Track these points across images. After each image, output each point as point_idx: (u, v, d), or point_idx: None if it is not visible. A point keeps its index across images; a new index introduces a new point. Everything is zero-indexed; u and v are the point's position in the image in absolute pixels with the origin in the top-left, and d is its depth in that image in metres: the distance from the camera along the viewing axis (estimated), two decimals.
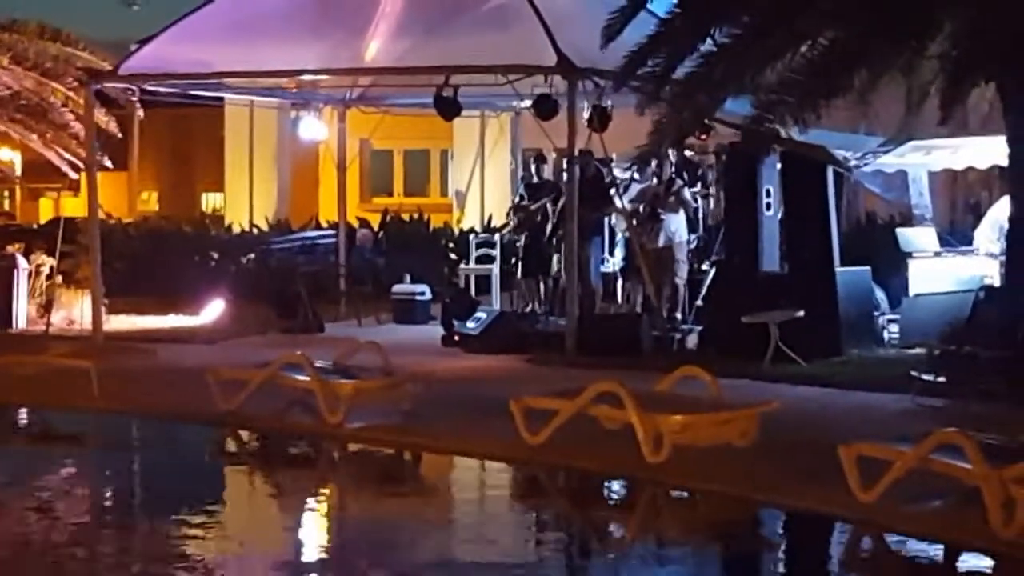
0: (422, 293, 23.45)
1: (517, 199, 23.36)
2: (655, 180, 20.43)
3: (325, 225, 29.07)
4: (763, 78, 15.92)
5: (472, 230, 26.19)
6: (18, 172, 36.87)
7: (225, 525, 12.23)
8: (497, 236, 23.74)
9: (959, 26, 15.02)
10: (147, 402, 16.09)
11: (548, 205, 21.17)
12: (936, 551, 10.06)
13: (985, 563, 9.68)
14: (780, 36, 15.69)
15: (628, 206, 20.59)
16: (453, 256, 24.78)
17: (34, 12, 26.96)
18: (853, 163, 20.09)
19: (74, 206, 29.48)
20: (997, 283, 17.46)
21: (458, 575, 10.42)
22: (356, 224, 27.78)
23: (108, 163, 25.64)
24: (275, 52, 21.15)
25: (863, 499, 10.34)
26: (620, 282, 21.12)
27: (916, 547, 10.13)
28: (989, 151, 18.60)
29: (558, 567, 11.20)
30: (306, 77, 22.76)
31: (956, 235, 21.37)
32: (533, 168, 22.96)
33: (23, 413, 16.79)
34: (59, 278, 24.14)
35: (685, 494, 12.06)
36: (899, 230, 21.05)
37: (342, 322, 22.85)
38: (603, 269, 20.94)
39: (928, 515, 10.26)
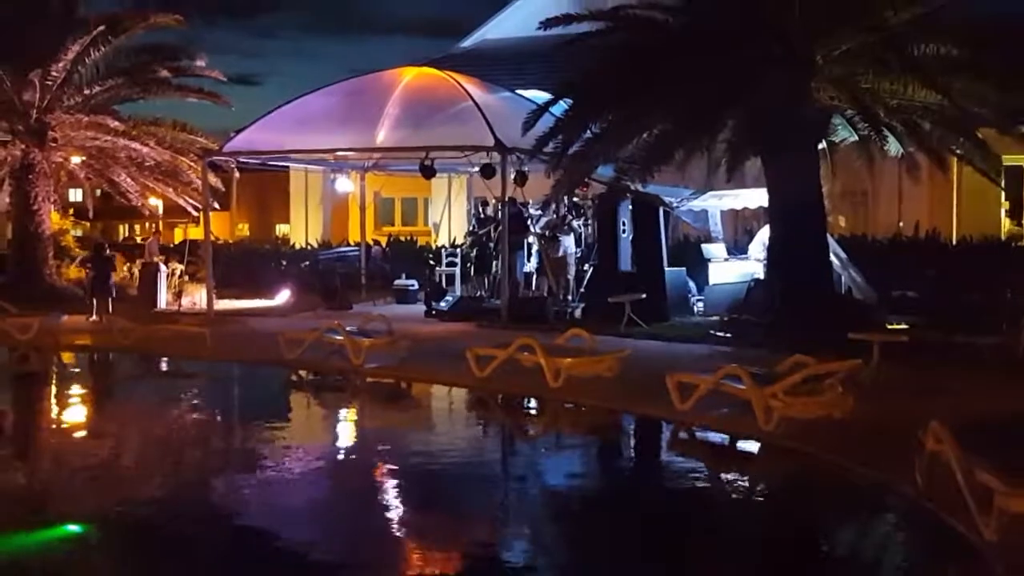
0: (412, 285, 23.33)
1: (471, 227, 23.40)
2: (555, 215, 20.53)
3: (352, 243, 28.95)
4: (620, 154, 16.04)
5: (443, 246, 26.10)
6: (160, 211, 36.54)
7: (290, 424, 12.39)
8: (458, 250, 23.71)
9: (737, 125, 15.23)
10: (241, 353, 16.05)
11: (490, 231, 21.26)
12: (724, 439, 10.24)
13: (753, 445, 9.90)
14: (630, 129, 15.80)
15: (538, 231, 20.71)
16: (431, 262, 24.67)
17: (169, 112, 26.80)
18: (675, 205, 20.15)
19: (196, 232, 29.17)
20: (761, 277, 17.66)
21: (432, 448, 10.56)
22: (371, 243, 27.76)
23: (216, 206, 25.47)
24: (320, 138, 21.03)
25: (681, 408, 10.50)
26: (534, 278, 21.14)
27: (712, 436, 10.33)
28: (757, 197, 18.75)
29: (495, 448, 11.41)
30: (340, 153, 22.68)
31: (737, 248, 21.49)
32: (480, 209, 23.01)
33: (164, 361, 16.72)
34: (186, 277, 24.09)
35: (573, 406, 12.08)
36: (703, 245, 21.13)
37: (363, 303, 22.75)
38: (524, 270, 20.94)
39: (719, 417, 10.37)
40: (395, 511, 8.57)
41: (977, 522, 6.45)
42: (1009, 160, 19.90)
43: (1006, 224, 26.68)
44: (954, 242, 23.02)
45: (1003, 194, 24.50)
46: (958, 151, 15.74)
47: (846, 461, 8.72)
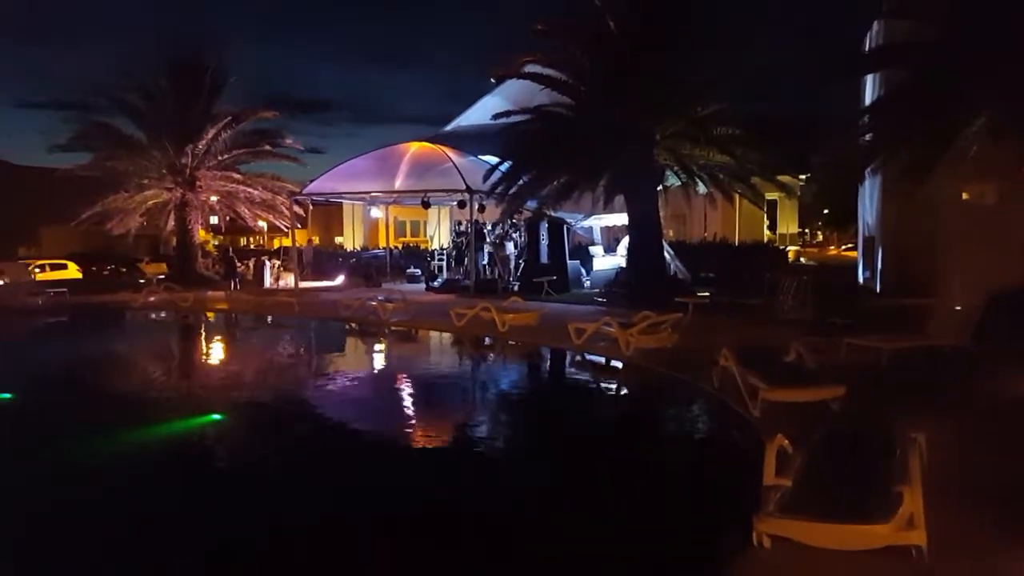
0: (417, 272, 23.12)
1: (452, 237, 23.12)
2: (502, 230, 20.38)
3: (381, 247, 28.56)
4: (540, 194, 15.96)
5: (436, 249, 25.88)
6: (265, 229, 35.71)
7: (344, 355, 12.16)
8: (445, 251, 23.47)
9: (609, 176, 15.19)
10: (317, 313, 15.68)
11: (463, 240, 21.05)
12: (602, 359, 10.18)
13: (618, 364, 9.86)
14: (545, 179, 15.66)
15: (492, 240, 20.57)
16: (429, 258, 24.40)
17: (269, 169, 26.25)
18: (574, 223, 20.21)
19: (286, 242, 28.65)
20: (624, 266, 17.69)
21: (430, 365, 10.41)
22: (393, 247, 27.44)
23: (299, 225, 24.95)
24: (361, 184, 20.72)
25: (577, 343, 10.47)
26: (489, 267, 21.04)
27: (595, 358, 10.28)
28: (621, 219, 18.72)
29: (469, 366, 11.25)
30: (373, 194, 22.32)
31: (610, 249, 21.57)
32: (457, 226, 22.66)
33: (268, 317, 16.33)
34: (281, 268, 23.65)
35: (513, 342, 11.97)
36: (589, 247, 21.23)
37: (387, 283, 22.44)
38: (483, 262, 20.76)
39: (600, 347, 10.32)
40: (409, 396, 8.71)
41: (748, 406, 6.54)
42: (769, 196, 20.21)
43: (767, 234, 27.20)
44: (736, 244, 23.34)
45: (765, 216, 25.16)
46: (739, 191, 15.88)
47: (672, 371, 8.76)
